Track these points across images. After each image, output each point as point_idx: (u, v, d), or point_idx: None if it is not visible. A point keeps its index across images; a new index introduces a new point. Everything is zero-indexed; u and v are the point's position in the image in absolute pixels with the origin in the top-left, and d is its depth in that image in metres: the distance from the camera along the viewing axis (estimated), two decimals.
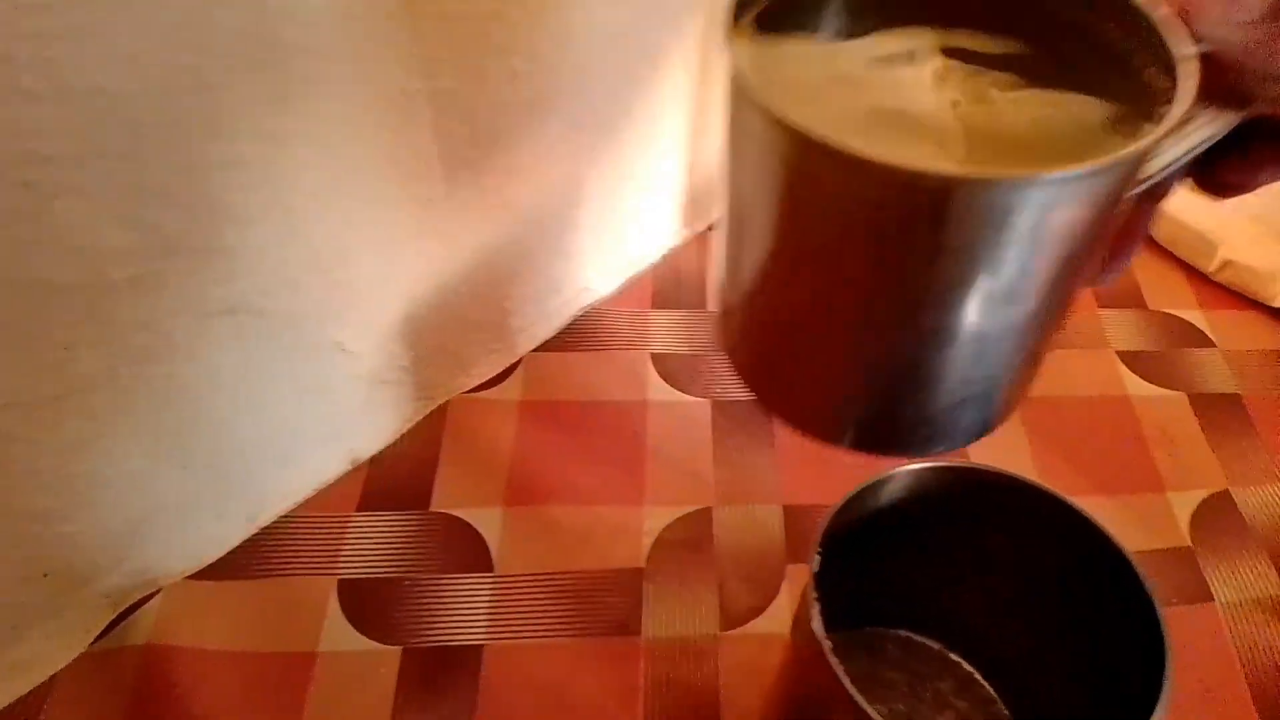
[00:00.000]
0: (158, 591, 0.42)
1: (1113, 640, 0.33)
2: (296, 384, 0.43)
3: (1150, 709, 0.29)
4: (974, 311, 0.23)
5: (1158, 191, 0.25)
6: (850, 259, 0.24)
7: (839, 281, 0.25)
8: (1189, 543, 0.49)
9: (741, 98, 0.24)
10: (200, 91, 0.33)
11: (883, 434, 0.28)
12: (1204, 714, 0.43)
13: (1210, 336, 0.59)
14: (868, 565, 0.39)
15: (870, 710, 0.29)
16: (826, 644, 0.30)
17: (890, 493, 0.35)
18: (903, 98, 0.25)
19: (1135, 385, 0.56)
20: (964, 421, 0.27)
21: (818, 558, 0.32)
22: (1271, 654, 0.45)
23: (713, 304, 0.56)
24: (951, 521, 0.37)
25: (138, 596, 0.42)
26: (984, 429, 0.28)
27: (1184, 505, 0.50)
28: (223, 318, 0.38)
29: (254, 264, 0.37)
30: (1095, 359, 0.57)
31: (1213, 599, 0.47)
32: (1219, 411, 0.55)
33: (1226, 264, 0.61)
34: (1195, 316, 0.60)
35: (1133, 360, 0.57)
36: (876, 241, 0.23)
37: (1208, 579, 0.47)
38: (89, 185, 0.31)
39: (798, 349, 0.28)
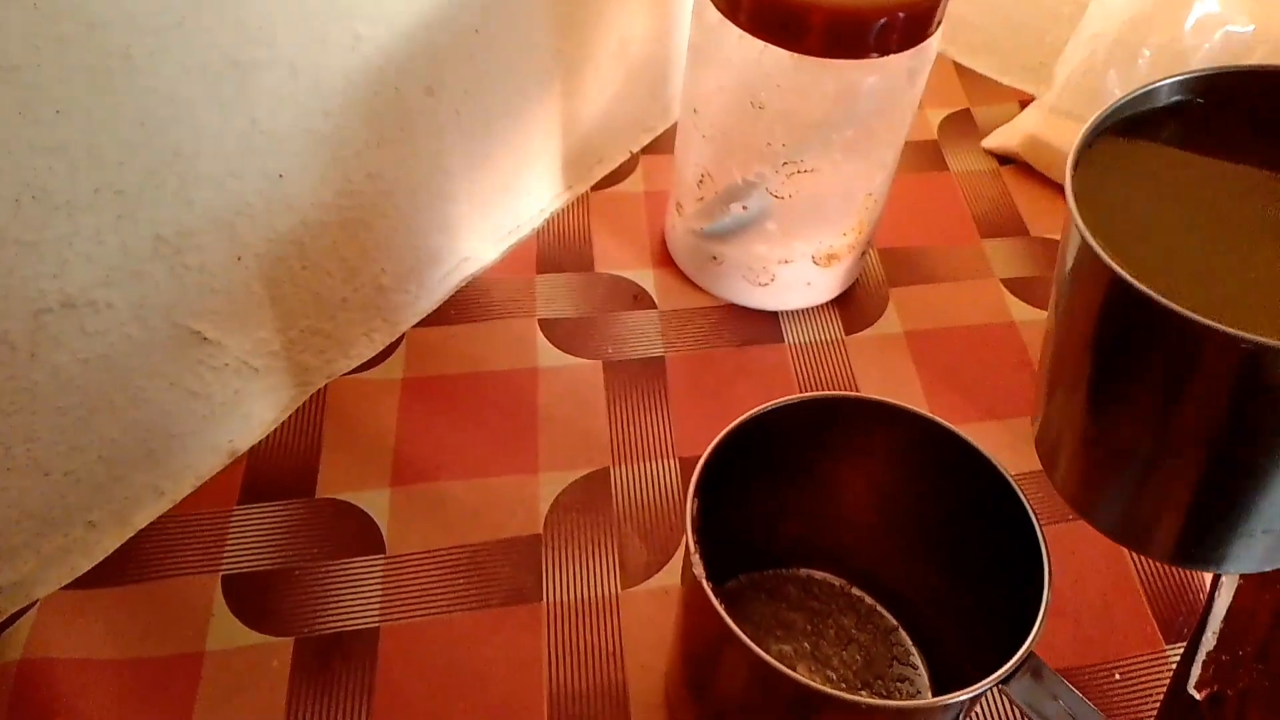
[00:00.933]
0: (32, 605, 0.40)
1: (1002, 561, 0.33)
2: (156, 379, 0.41)
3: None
4: None
5: None
6: (1184, 407, 0.27)
7: (1171, 424, 0.28)
8: None
9: (1081, 249, 0.26)
10: (3, 73, 0.31)
11: (1204, 550, 0.31)
12: (1105, 625, 0.44)
13: None
14: (757, 508, 0.38)
15: (754, 647, 0.28)
16: (708, 585, 0.30)
17: (771, 427, 0.34)
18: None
19: (1021, 311, 0.56)
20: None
21: (694, 501, 0.32)
22: (1166, 565, 0.46)
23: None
24: (836, 454, 0.37)
25: (10, 612, 0.40)
26: None
27: None
28: (61, 312, 0.36)
29: (89, 254, 0.36)
30: (981, 288, 0.57)
31: None
32: None
33: None
34: None
35: (1018, 287, 0.57)
36: (1202, 394, 0.26)
37: None
38: None
39: (1124, 476, 0.31)
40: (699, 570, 0.30)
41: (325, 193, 0.44)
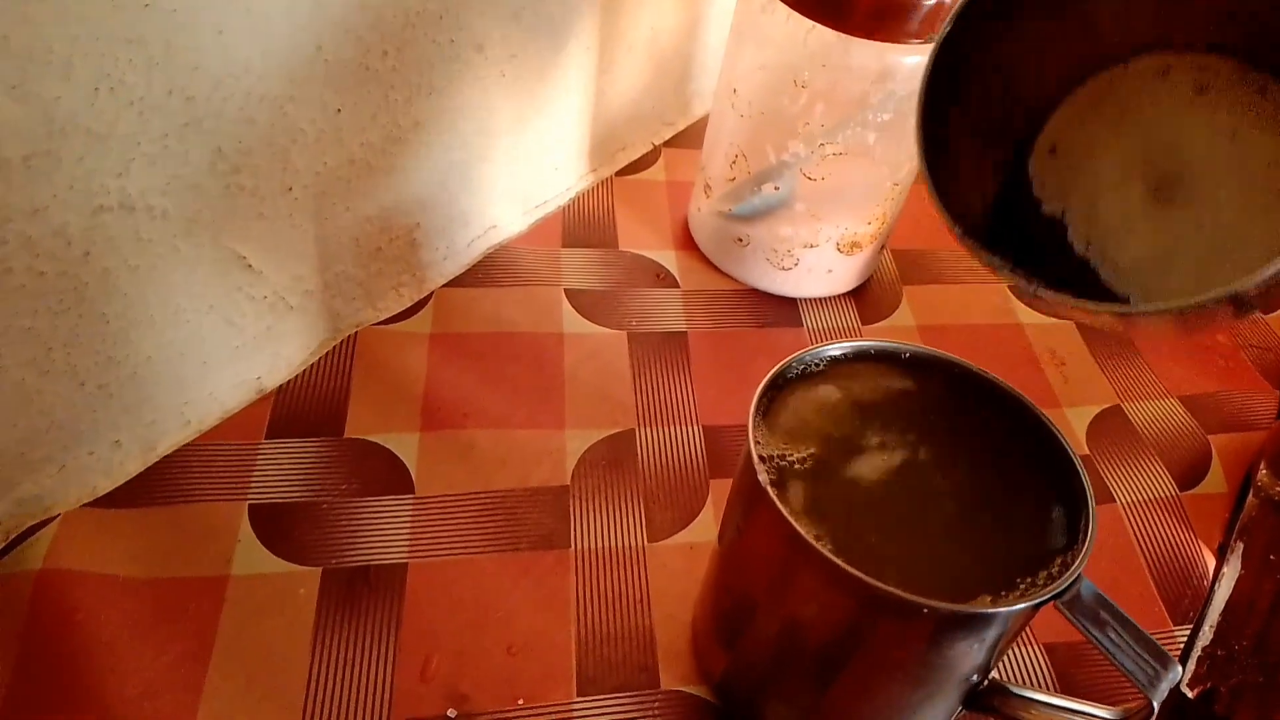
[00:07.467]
0: (51, 520, 0.39)
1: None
2: (197, 300, 0.41)
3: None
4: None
5: None
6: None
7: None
8: (1087, 451, 0.51)
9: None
10: None
11: None
12: (1115, 601, 0.45)
13: None
14: None
15: (828, 553, 0.29)
16: (773, 492, 0.30)
17: None
18: None
19: (1026, 314, 0.58)
20: None
21: (760, 400, 0.32)
22: (1170, 547, 0.47)
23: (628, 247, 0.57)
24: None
25: (28, 525, 0.39)
26: None
27: (1080, 418, 0.53)
28: (119, 213, 0.36)
29: (154, 157, 0.36)
30: (989, 291, 0.59)
31: (1114, 500, 0.49)
32: (1104, 337, 0.58)
33: None
34: None
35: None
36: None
37: (1108, 483, 0.50)
38: None
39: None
40: (764, 477, 0.30)
41: (374, 134, 0.44)
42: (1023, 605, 0.29)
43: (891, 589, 0.28)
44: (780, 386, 0.34)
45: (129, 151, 0.35)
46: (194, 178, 0.38)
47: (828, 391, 0.35)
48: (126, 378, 0.40)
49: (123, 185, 0.35)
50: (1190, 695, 0.45)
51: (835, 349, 0.35)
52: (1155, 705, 0.30)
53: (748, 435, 0.32)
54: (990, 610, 0.29)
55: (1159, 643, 0.30)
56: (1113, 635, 0.30)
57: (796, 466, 0.34)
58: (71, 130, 0.33)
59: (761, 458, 0.32)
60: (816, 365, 0.35)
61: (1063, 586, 0.29)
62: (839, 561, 0.28)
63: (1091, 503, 0.32)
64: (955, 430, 0.37)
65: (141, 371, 0.40)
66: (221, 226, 0.40)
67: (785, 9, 0.46)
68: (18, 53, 0.30)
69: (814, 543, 0.29)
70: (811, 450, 0.38)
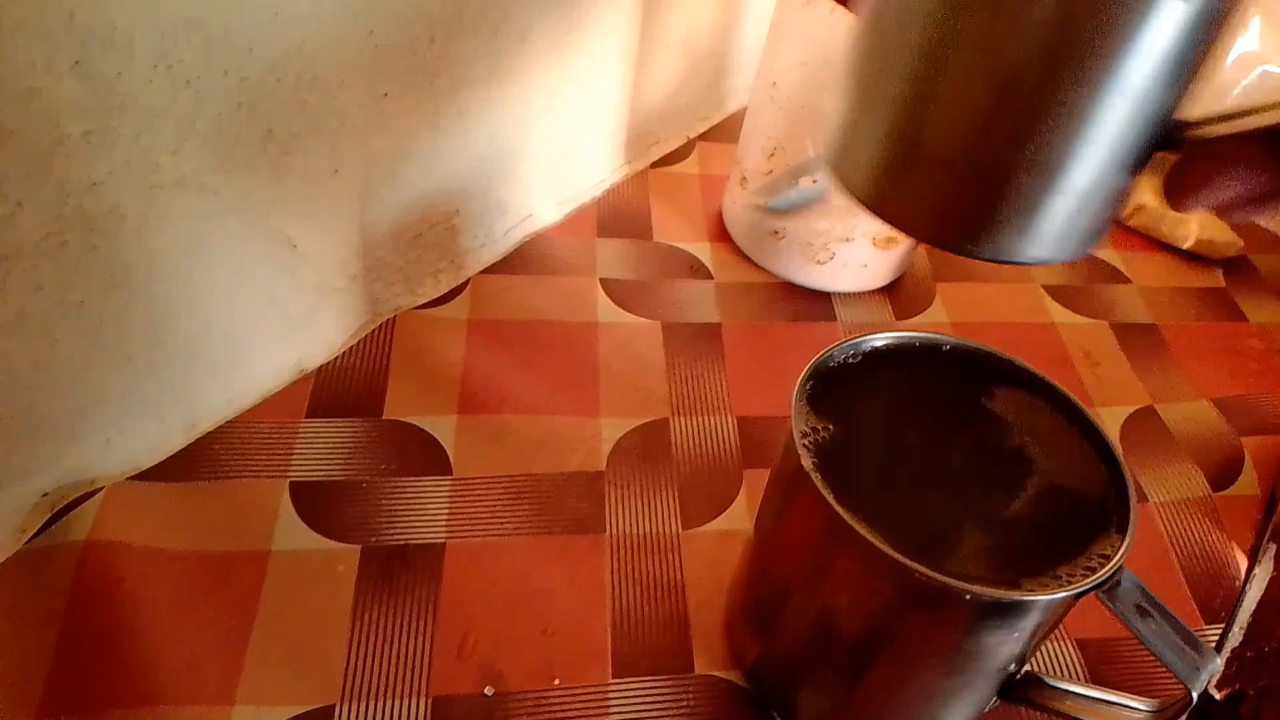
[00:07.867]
0: (98, 491, 0.39)
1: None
2: (244, 280, 0.41)
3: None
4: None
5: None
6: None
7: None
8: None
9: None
10: None
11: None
12: None
13: (1126, 273, 0.62)
14: None
15: (871, 537, 0.29)
16: (816, 476, 0.30)
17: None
18: None
19: (1060, 314, 0.58)
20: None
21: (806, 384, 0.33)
22: (1202, 547, 0.47)
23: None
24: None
25: (73, 497, 0.39)
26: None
27: (1113, 419, 0.53)
28: (173, 191, 0.36)
29: (207, 135, 0.36)
30: (1022, 290, 0.59)
31: (1147, 500, 0.49)
32: (1137, 338, 0.58)
33: (1139, 209, 0.65)
34: (1112, 256, 0.63)
35: (1057, 293, 0.59)
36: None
37: (1141, 483, 0.50)
38: (44, 23, 0.30)
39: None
40: (807, 462, 0.31)
41: (418, 120, 0.44)
42: (1065, 594, 0.29)
43: (935, 574, 0.28)
44: (823, 374, 0.34)
45: (184, 130, 0.36)
46: (245, 158, 0.38)
47: (870, 380, 0.36)
48: (173, 354, 0.40)
49: (177, 164, 0.36)
50: (1217, 697, 0.45)
51: (878, 339, 0.35)
52: (1194, 696, 0.30)
53: (790, 420, 0.32)
54: (1033, 598, 0.29)
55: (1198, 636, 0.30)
56: (1153, 626, 0.30)
57: (838, 453, 0.34)
58: (130, 107, 0.33)
59: (804, 443, 0.32)
60: (860, 354, 0.35)
61: (1105, 576, 0.29)
62: (883, 546, 0.29)
63: (1132, 493, 0.32)
64: (995, 422, 0.37)
65: (187, 349, 0.41)
66: (270, 207, 0.40)
67: (828, 4, 0.46)
68: (82, 30, 0.31)
69: (857, 526, 0.29)
70: (853, 437, 0.39)
